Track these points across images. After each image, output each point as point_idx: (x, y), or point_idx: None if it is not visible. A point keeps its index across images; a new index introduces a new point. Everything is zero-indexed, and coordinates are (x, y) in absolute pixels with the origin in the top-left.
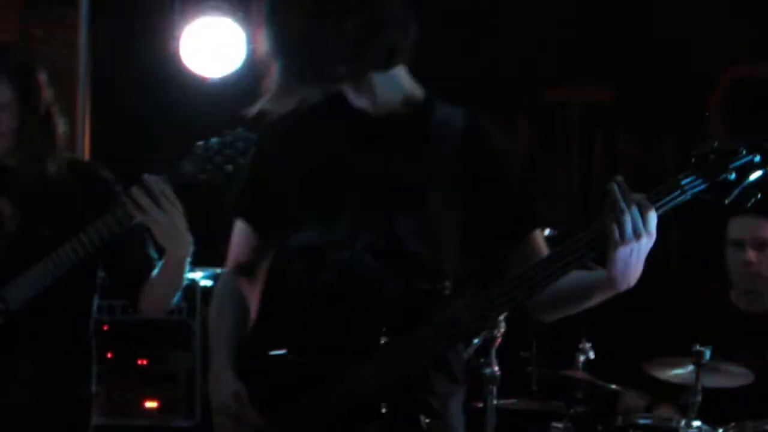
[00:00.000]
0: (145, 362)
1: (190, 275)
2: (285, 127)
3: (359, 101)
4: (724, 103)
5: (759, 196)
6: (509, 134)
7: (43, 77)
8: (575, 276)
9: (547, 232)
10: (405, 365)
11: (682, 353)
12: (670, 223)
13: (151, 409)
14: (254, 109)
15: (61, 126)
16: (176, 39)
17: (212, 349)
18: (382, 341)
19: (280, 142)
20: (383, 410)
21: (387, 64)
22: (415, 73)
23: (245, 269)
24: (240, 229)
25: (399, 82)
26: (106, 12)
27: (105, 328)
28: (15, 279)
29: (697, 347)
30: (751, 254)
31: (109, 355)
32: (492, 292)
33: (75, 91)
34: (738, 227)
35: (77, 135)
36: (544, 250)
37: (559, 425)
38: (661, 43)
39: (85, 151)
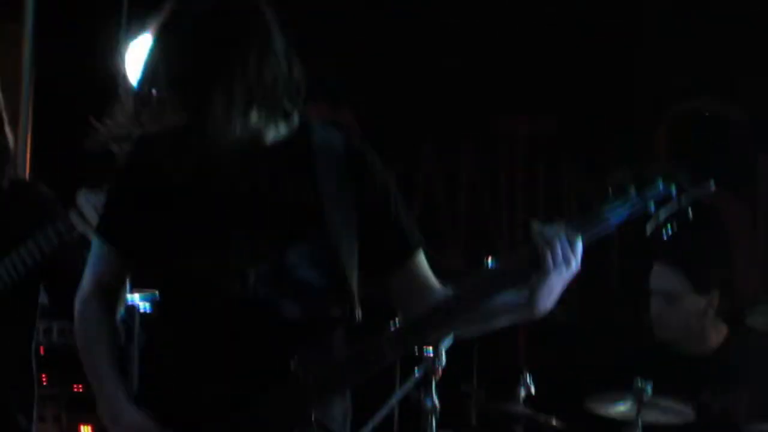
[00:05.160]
0: (80, 388)
1: (129, 298)
2: (161, 150)
3: (240, 128)
4: (669, 138)
5: (672, 227)
6: (454, 163)
7: None
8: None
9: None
10: (321, 392)
11: (622, 388)
12: (610, 260)
13: None
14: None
15: (10, 139)
16: (121, 55)
17: (94, 381)
18: (294, 369)
19: (156, 164)
20: None
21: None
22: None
23: (107, 291)
24: (100, 250)
25: (268, 112)
26: (50, 28)
27: (41, 351)
28: None
29: (639, 382)
30: (655, 307)
31: (43, 379)
32: (418, 322)
33: (18, 106)
34: (653, 276)
35: (18, 150)
36: (428, 271)
37: None
38: (605, 73)
39: (26, 166)
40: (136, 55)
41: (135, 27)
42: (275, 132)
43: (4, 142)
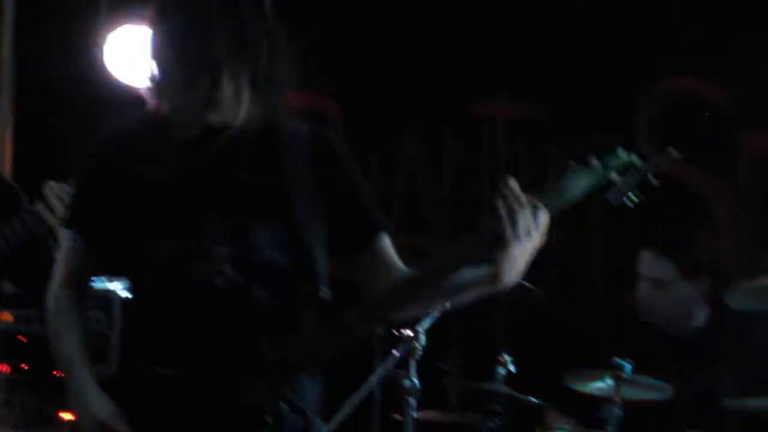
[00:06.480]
0: (61, 373)
1: (108, 286)
2: (127, 137)
3: (209, 116)
4: (651, 120)
5: (639, 197)
6: (434, 148)
7: None
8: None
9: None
10: (291, 372)
11: (602, 366)
12: (593, 239)
13: (67, 421)
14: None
15: None
16: (100, 47)
17: (65, 370)
18: (264, 351)
19: (122, 152)
20: (269, 420)
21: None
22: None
23: (77, 281)
24: (70, 241)
25: (246, 98)
26: (30, 20)
27: (21, 339)
28: None
29: (617, 360)
30: (643, 292)
31: (24, 367)
32: (383, 296)
33: None
34: (642, 262)
35: None
36: (392, 252)
37: None
38: (586, 56)
39: (7, 159)
40: (117, 45)
41: (114, 17)
42: (245, 114)
43: None
